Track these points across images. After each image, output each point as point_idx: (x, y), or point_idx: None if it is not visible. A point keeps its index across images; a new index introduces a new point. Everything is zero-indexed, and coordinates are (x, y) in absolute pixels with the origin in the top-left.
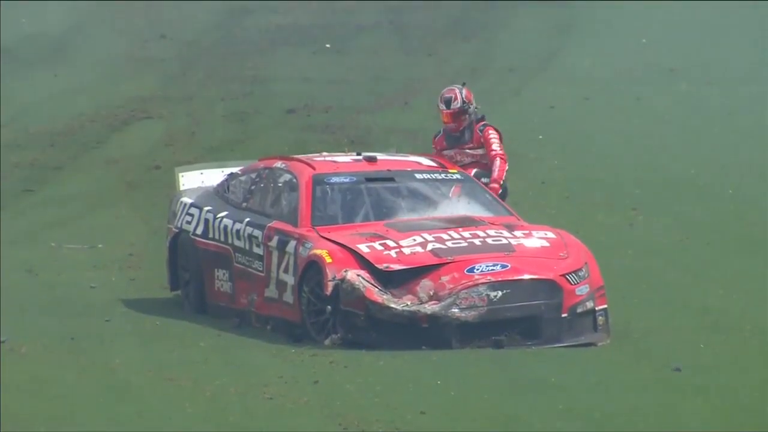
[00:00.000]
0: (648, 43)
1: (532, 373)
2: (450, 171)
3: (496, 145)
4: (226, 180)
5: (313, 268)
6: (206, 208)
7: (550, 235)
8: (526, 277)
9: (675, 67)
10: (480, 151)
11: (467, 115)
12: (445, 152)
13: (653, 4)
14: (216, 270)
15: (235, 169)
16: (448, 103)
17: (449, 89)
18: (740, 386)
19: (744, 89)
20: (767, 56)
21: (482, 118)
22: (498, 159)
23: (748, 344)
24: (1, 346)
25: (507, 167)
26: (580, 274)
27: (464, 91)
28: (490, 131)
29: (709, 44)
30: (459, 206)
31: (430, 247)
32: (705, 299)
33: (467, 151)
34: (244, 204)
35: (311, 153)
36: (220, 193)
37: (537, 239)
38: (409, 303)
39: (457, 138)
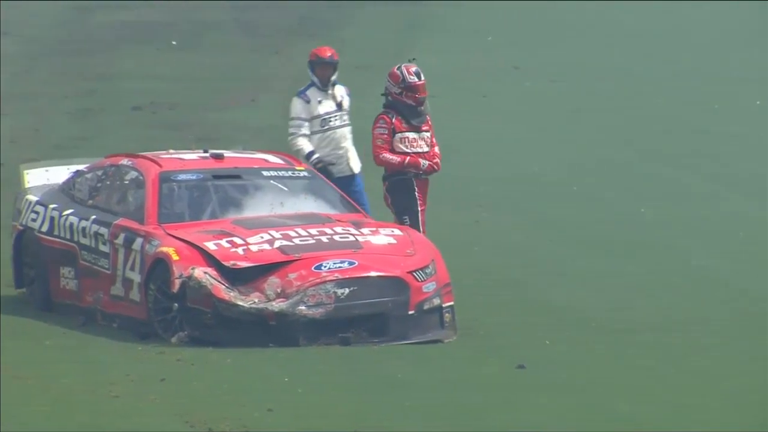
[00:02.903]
0: (493, 41)
1: (380, 371)
2: (297, 168)
3: None
4: (72, 177)
5: (159, 266)
6: (52, 206)
7: (397, 232)
8: (373, 274)
9: (519, 65)
10: (428, 135)
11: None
12: (408, 135)
13: (498, 4)
14: (61, 268)
15: (81, 167)
16: (419, 74)
17: (406, 65)
18: (585, 383)
19: (587, 87)
20: (609, 54)
21: None
22: (437, 146)
23: (593, 341)
24: None
25: None
26: (426, 271)
27: None
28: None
29: (551, 43)
30: (306, 203)
31: (277, 244)
32: (550, 296)
33: (424, 135)
34: (91, 201)
35: (158, 150)
36: (66, 191)
37: (384, 236)
38: (256, 300)
39: (417, 117)
